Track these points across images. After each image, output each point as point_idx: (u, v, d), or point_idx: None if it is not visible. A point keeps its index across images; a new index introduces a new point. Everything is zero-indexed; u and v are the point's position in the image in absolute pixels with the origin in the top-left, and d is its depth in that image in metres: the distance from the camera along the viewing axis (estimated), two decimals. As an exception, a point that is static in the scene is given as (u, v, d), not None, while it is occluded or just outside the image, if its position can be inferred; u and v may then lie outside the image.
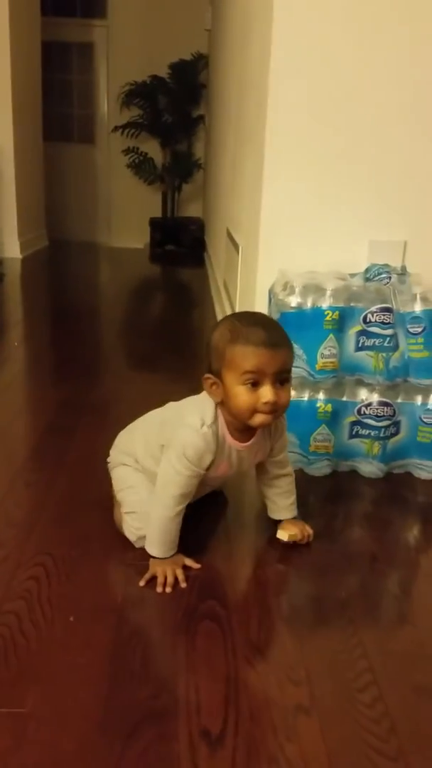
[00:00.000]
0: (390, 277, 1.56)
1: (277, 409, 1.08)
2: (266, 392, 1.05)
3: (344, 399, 1.56)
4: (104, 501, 1.37)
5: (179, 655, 0.96)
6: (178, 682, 0.91)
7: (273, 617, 1.07)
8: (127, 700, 0.87)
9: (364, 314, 1.52)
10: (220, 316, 3.03)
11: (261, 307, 1.79)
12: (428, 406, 1.55)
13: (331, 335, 1.52)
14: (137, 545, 1.20)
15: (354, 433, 1.57)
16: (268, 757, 0.80)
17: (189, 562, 1.16)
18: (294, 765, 0.79)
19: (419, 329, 1.53)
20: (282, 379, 1.08)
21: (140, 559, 1.18)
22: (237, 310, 2.39)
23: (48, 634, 0.99)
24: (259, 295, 1.81)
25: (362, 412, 1.55)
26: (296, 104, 1.68)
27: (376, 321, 1.52)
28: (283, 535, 1.26)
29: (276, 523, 1.30)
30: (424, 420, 1.56)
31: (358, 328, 1.53)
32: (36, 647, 0.96)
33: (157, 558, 1.14)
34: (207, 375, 1.13)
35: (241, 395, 1.06)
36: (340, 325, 1.52)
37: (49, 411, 1.93)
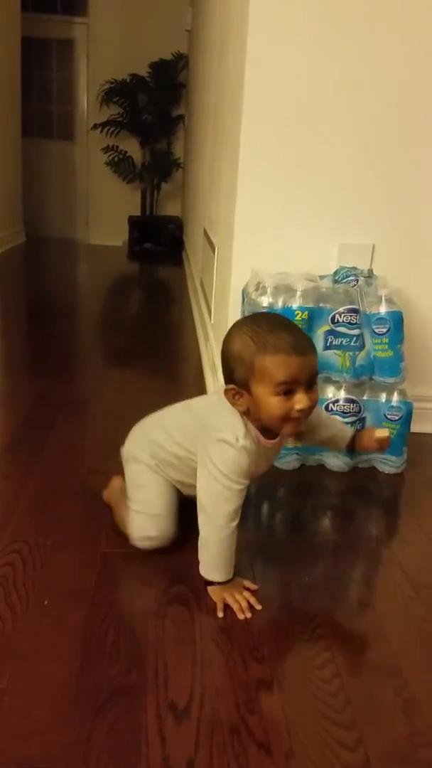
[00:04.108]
0: (357, 280, 1.63)
1: (309, 413, 1.06)
2: (301, 399, 1.03)
3: (313, 396, 1.62)
4: (80, 492, 1.42)
5: (149, 635, 1.02)
6: (148, 660, 0.96)
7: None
8: (99, 677, 0.92)
9: (332, 314, 1.59)
10: (197, 315, 3.08)
11: (234, 305, 1.84)
12: (392, 403, 1.62)
13: (300, 334, 1.57)
14: (138, 543, 1.20)
15: (322, 428, 1.63)
16: (230, 728, 0.85)
17: (247, 583, 1.14)
18: (255, 734, 0.85)
19: (384, 330, 1.60)
20: (311, 382, 1.05)
21: (114, 547, 1.22)
22: (213, 308, 2.44)
23: (23, 617, 1.03)
24: (233, 294, 1.87)
25: (330, 409, 1.61)
26: (271, 109, 1.74)
27: (343, 321, 1.58)
28: (382, 432, 1.24)
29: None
30: (388, 416, 1.62)
31: (327, 327, 1.59)
32: (11, 628, 1.00)
33: (218, 583, 1.12)
34: (230, 386, 1.08)
35: (275, 406, 1.03)
36: (309, 325, 1.58)
37: (26, 405, 1.96)
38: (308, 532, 1.38)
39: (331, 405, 1.61)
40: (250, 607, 1.09)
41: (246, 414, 1.09)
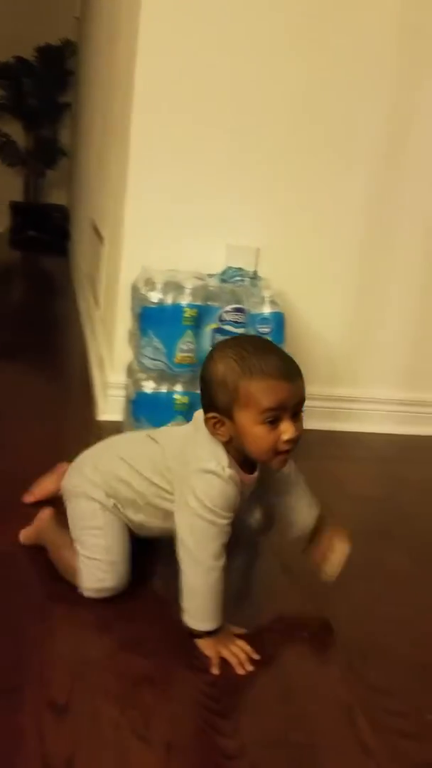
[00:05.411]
0: (243, 280, 1.67)
1: (295, 445, 0.98)
2: (288, 428, 0.95)
3: (198, 392, 1.65)
4: None
5: (30, 635, 0.99)
6: (29, 660, 0.94)
7: (127, 597, 1.12)
8: (-25, 680, 0.89)
9: (219, 313, 1.62)
10: (83, 308, 3.02)
11: (124, 300, 1.83)
12: (274, 401, 1.68)
13: (189, 331, 1.60)
14: (90, 594, 1.07)
15: (206, 425, 1.66)
16: (110, 723, 0.85)
17: (236, 629, 1.04)
18: (136, 728, 0.85)
19: (267, 330, 1.66)
20: (298, 410, 0.97)
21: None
22: (101, 302, 2.41)
23: None
24: (123, 289, 1.85)
25: (214, 406, 1.65)
26: (162, 108, 1.74)
27: (230, 320, 1.62)
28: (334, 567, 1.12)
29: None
30: (270, 414, 1.68)
31: (214, 325, 1.63)
32: None
33: (209, 637, 1.00)
34: (211, 414, 0.98)
35: (261, 437, 0.95)
36: (197, 322, 1.61)
37: None
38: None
39: (215, 402, 1.64)
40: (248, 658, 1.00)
41: (228, 444, 0.99)
